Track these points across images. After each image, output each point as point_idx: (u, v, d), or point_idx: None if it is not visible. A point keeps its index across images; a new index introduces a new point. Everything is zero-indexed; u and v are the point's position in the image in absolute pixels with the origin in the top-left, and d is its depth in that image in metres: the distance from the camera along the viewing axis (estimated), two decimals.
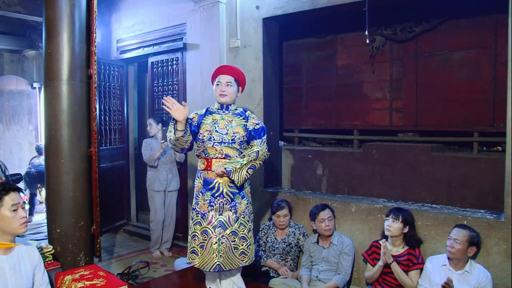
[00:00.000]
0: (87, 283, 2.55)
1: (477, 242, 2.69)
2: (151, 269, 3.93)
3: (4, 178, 4.96)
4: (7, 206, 2.16)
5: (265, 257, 3.51)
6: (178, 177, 4.72)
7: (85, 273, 2.71)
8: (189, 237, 2.76)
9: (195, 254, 2.69)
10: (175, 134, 2.62)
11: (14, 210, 2.18)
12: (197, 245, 2.69)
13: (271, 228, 3.59)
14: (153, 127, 4.58)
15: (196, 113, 2.84)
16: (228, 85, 2.78)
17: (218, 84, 2.79)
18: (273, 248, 3.50)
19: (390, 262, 2.87)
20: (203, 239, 2.68)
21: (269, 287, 3.18)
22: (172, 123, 2.63)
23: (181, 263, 3.81)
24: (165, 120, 4.77)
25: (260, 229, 3.65)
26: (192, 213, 2.78)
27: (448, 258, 2.71)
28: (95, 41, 3.26)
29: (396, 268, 2.87)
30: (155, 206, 4.61)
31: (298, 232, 3.50)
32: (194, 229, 2.73)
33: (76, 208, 3.12)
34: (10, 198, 2.18)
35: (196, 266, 2.70)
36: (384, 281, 2.97)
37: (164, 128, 4.59)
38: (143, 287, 3.39)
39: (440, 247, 2.97)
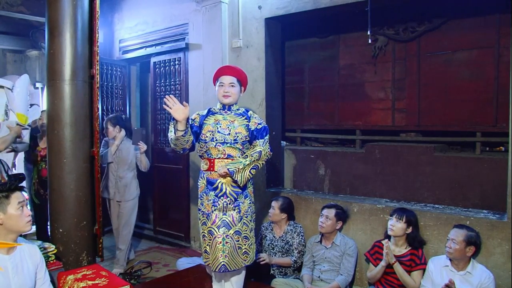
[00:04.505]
0: (90, 282, 2.55)
1: (475, 242, 2.66)
2: (153, 269, 3.93)
3: (6, 178, 4.97)
4: (14, 205, 2.21)
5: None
6: (134, 187, 4.18)
7: (87, 273, 2.71)
8: (200, 237, 2.80)
9: (207, 254, 2.72)
10: (175, 134, 2.62)
11: (20, 208, 2.23)
12: (207, 245, 2.72)
13: (268, 228, 3.59)
14: (110, 131, 4.10)
15: (198, 114, 2.84)
16: (231, 85, 2.78)
17: (221, 85, 2.78)
18: (272, 246, 3.49)
19: (392, 262, 2.86)
20: (209, 239, 2.70)
21: (271, 287, 3.18)
22: (173, 123, 2.63)
23: (183, 263, 3.82)
24: (124, 120, 4.29)
25: (260, 230, 3.64)
26: (198, 213, 2.81)
27: (450, 259, 2.70)
28: (97, 41, 3.26)
29: (398, 268, 2.86)
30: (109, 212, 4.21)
31: (294, 231, 3.50)
32: (202, 229, 2.75)
33: (79, 208, 3.12)
34: (16, 197, 2.23)
35: (209, 264, 2.72)
36: (386, 281, 2.96)
37: (126, 135, 4.14)
38: (145, 287, 3.39)
39: (442, 247, 2.95)
